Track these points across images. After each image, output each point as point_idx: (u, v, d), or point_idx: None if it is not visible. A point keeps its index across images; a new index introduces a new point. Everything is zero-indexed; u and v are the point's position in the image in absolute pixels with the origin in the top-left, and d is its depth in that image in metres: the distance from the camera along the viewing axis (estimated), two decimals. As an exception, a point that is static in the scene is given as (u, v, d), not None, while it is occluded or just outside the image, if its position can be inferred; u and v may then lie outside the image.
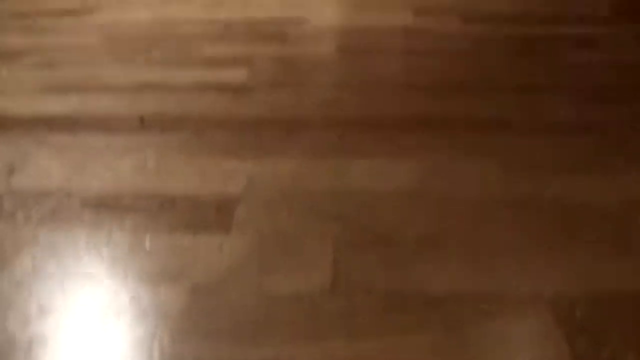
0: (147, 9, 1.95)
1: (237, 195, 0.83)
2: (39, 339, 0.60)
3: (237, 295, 0.64)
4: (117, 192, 0.86)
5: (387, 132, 0.99)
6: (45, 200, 0.85)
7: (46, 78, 1.35)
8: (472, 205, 0.82)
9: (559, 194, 0.86)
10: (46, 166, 0.94)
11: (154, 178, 0.88)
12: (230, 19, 1.71)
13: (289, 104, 1.09)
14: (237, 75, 1.24)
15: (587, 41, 1.59)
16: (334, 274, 0.67)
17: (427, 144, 0.96)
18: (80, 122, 1.08)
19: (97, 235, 0.76)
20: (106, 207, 0.83)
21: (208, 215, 0.78)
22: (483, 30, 1.66)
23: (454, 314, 0.61)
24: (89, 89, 1.24)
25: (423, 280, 0.67)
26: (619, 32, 1.71)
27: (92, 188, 0.88)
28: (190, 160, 0.92)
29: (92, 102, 1.17)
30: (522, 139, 1.01)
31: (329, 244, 0.73)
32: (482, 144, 0.97)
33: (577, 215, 0.81)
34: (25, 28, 1.83)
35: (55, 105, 1.17)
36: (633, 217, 0.80)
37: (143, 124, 1.04)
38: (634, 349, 0.58)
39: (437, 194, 0.84)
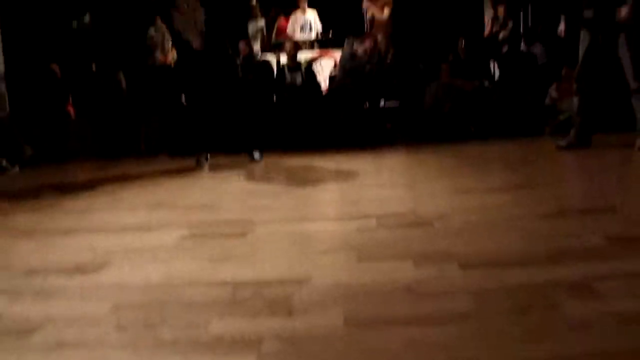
0: (154, 264, 2.02)
1: None
2: None
3: None
4: None
5: None
6: None
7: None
8: None
9: None
10: None
11: None
12: (237, 280, 1.76)
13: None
14: (245, 364, 1.25)
15: (585, 287, 1.62)
16: None
17: None
18: None
19: None
20: None
21: None
22: (482, 280, 1.70)
23: None
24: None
25: None
26: (616, 270, 1.75)
27: None
28: None
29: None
30: None
31: None
32: None
33: None
34: (37, 291, 1.87)
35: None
36: None
37: None
38: None
39: None
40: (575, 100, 5.10)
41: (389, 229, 2.28)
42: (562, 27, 5.02)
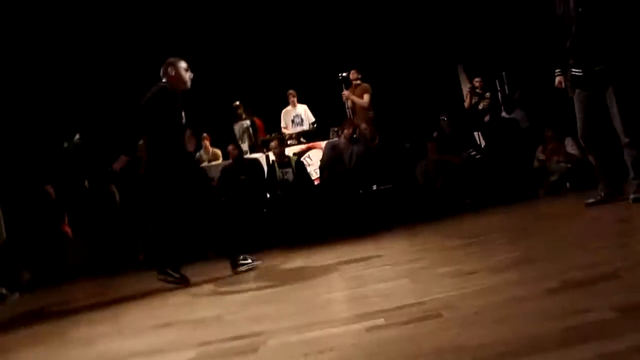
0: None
1: None
2: None
3: None
4: None
5: None
6: None
7: None
8: None
9: None
10: None
11: None
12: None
13: None
14: None
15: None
16: None
17: None
18: None
19: None
20: None
21: None
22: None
23: None
24: None
25: None
26: (628, 345, 1.71)
27: None
28: None
29: None
30: None
31: None
32: None
33: None
34: None
35: None
36: None
37: None
38: None
39: None
40: (591, 159, 5.15)
41: (398, 326, 2.26)
42: (559, 79, 5.13)
